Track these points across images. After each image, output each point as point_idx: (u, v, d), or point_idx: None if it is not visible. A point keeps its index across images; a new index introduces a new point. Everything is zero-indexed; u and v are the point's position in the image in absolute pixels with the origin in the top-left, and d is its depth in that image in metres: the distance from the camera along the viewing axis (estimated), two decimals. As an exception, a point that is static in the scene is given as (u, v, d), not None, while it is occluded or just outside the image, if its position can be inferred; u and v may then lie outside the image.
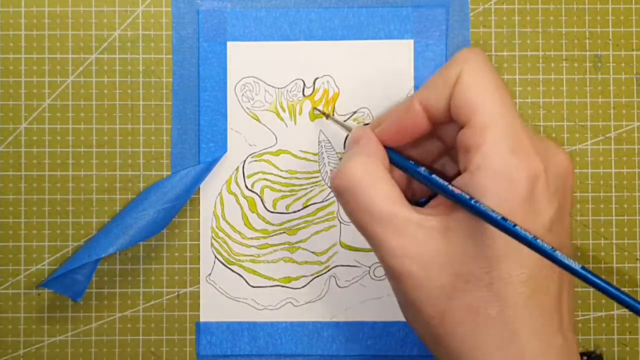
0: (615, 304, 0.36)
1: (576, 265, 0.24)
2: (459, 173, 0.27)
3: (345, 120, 0.36)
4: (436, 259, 0.25)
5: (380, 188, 0.27)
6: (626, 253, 0.36)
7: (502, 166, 0.25)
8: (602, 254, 0.36)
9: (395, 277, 0.26)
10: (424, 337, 0.27)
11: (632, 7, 0.37)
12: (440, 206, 0.27)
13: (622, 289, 0.36)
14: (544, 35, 0.37)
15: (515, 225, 0.24)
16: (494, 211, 0.24)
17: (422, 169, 0.28)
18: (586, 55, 0.37)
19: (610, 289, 0.24)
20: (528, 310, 0.25)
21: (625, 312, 0.36)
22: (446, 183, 0.26)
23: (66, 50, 0.36)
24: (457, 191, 0.25)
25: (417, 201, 0.31)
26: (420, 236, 0.26)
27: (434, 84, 0.27)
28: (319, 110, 0.36)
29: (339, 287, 0.36)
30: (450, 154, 0.31)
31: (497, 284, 0.24)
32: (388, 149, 0.29)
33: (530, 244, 0.24)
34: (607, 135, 0.37)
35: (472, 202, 0.25)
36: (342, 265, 0.36)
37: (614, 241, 0.36)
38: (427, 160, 0.31)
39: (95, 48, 0.37)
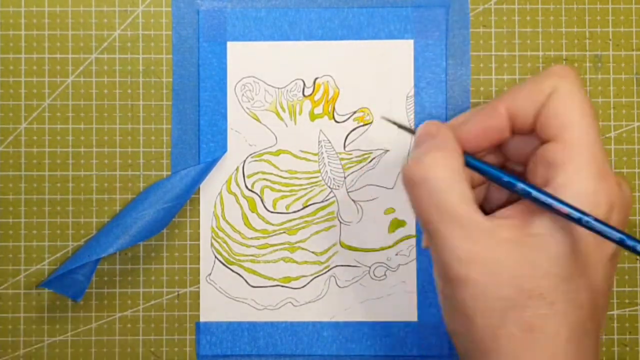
0: (615, 304, 0.36)
1: None
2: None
3: (344, 121, 0.36)
4: (503, 270, 0.25)
5: (457, 187, 0.26)
6: (626, 253, 0.36)
7: (587, 188, 0.25)
8: (602, 254, 0.36)
9: (454, 281, 0.25)
10: (466, 348, 0.27)
11: (632, 7, 0.37)
12: (513, 218, 0.26)
13: (622, 289, 0.36)
14: (544, 35, 0.37)
15: (608, 225, 0.24)
16: (586, 212, 0.24)
17: (510, 174, 0.27)
18: (586, 55, 0.37)
19: None
20: (580, 334, 0.25)
21: (625, 312, 0.36)
22: (536, 187, 0.26)
23: (66, 50, 0.36)
24: (548, 195, 0.25)
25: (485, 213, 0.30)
26: (491, 244, 0.25)
27: (526, 92, 0.27)
28: (387, 119, 0.32)
29: (339, 287, 0.36)
30: (508, 166, 0.30)
31: (557, 305, 0.24)
32: (465, 154, 0.28)
33: (622, 242, 0.24)
34: (607, 135, 0.37)
35: (563, 203, 0.24)
36: (342, 265, 0.36)
37: (614, 241, 0.36)
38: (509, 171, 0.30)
39: (95, 48, 0.37)
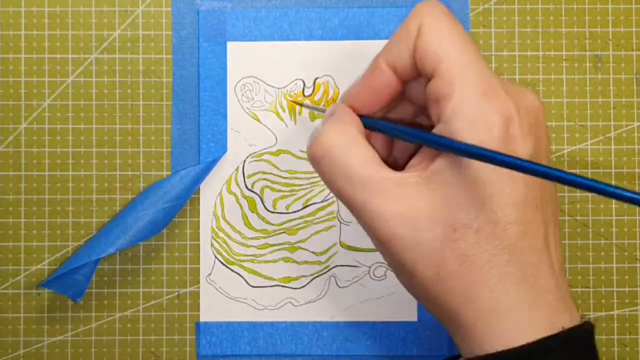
0: (615, 304, 0.36)
1: (567, 174, 0.23)
2: (432, 128, 0.27)
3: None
4: (421, 215, 0.25)
5: (356, 151, 0.27)
6: (626, 253, 0.36)
7: (475, 111, 0.24)
8: (602, 254, 0.36)
9: (382, 242, 0.26)
10: (422, 301, 0.27)
11: (632, 7, 0.37)
12: (418, 164, 0.27)
13: (622, 289, 0.36)
14: (544, 35, 0.37)
15: (500, 153, 0.23)
16: (476, 146, 0.24)
17: (399, 125, 0.27)
18: (586, 55, 0.37)
19: (609, 188, 0.22)
20: (519, 252, 0.24)
21: (625, 312, 0.36)
22: (425, 131, 0.26)
23: (66, 50, 0.36)
24: (437, 135, 0.25)
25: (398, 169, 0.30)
26: (402, 194, 0.25)
27: (396, 40, 0.27)
28: (293, 100, 0.36)
29: (339, 287, 0.36)
30: (425, 113, 0.30)
31: (485, 228, 0.24)
32: (362, 116, 0.29)
33: (520, 167, 0.23)
34: (607, 135, 0.37)
35: (454, 142, 0.24)
36: (342, 265, 0.36)
37: (614, 241, 0.36)
38: (403, 123, 0.30)
39: (95, 48, 0.37)
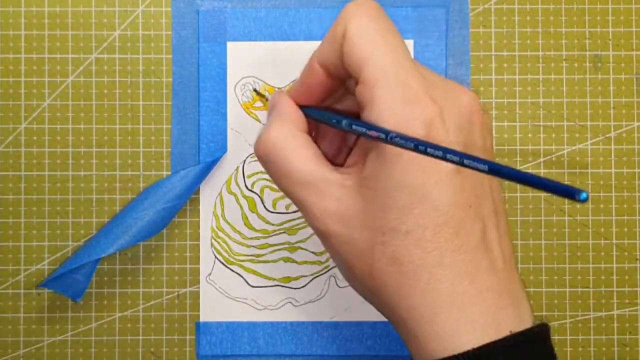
0: (615, 304, 0.36)
1: (485, 165, 0.22)
2: None
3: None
4: (355, 217, 0.25)
5: (296, 151, 0.27)
6: (626, 253, 0.36)
7: (396, 118, 0.24)
8: (602, 254, 0.36)
9: (322, 237, 0.27)
10: (361, 293, 0.27)
11: (632, 7, 0.37)
12: (354, 165, 0.27)
13: (622, 289, 0.36)
14: (544, 35, 0.37)
15: (424, 141, 0.23)
16: (391, 130, 0.24)
17: (334, 115, 0.27)
18: (586, 55, 0.37)
19: (529, 176, 0.21)
20: (450, 252, 0.24)
21: (625, 312, 0.36)
22: (355, 119, 0.26)
23: (66, 50, 0.36)
24: (362, 124, 0.25)
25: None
26: (339, 195, 0.26)
27: (327, 42, 0.27)
28: (256, 91, 0.36)
29: (339, 287, 0.36)
30: None
31: (413, 232, 0.24)
32: (304, 107, 0.29)
33: (441, 156, 0.23)
34: (607, 135, 0.37)
35: (372, 127, 0.24)
36: (342, 265, 0.36)
37: (614, 241, 0.36)
38: (353, 114, 0.30)
39: (95, 48, 0.37)
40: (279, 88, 0.36)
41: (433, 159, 0.23)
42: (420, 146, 0.23)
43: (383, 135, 0.24)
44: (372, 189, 0.25)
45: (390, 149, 0.24)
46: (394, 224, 0.24)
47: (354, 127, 0.25)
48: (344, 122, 0.26)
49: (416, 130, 0.24)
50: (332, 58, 0.27)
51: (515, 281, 0.26)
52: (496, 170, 0.22)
